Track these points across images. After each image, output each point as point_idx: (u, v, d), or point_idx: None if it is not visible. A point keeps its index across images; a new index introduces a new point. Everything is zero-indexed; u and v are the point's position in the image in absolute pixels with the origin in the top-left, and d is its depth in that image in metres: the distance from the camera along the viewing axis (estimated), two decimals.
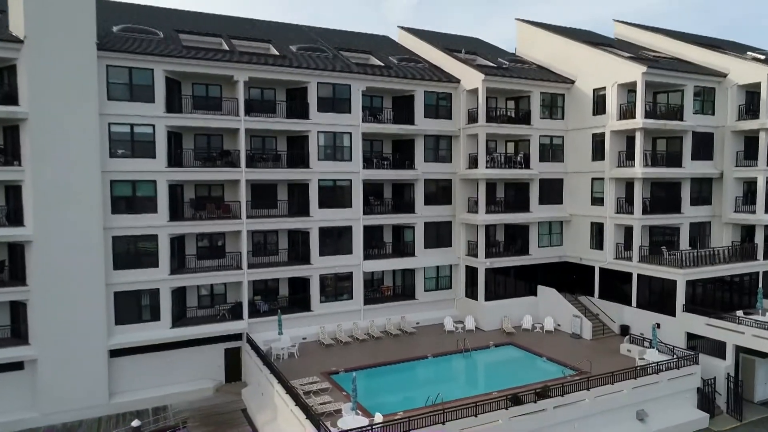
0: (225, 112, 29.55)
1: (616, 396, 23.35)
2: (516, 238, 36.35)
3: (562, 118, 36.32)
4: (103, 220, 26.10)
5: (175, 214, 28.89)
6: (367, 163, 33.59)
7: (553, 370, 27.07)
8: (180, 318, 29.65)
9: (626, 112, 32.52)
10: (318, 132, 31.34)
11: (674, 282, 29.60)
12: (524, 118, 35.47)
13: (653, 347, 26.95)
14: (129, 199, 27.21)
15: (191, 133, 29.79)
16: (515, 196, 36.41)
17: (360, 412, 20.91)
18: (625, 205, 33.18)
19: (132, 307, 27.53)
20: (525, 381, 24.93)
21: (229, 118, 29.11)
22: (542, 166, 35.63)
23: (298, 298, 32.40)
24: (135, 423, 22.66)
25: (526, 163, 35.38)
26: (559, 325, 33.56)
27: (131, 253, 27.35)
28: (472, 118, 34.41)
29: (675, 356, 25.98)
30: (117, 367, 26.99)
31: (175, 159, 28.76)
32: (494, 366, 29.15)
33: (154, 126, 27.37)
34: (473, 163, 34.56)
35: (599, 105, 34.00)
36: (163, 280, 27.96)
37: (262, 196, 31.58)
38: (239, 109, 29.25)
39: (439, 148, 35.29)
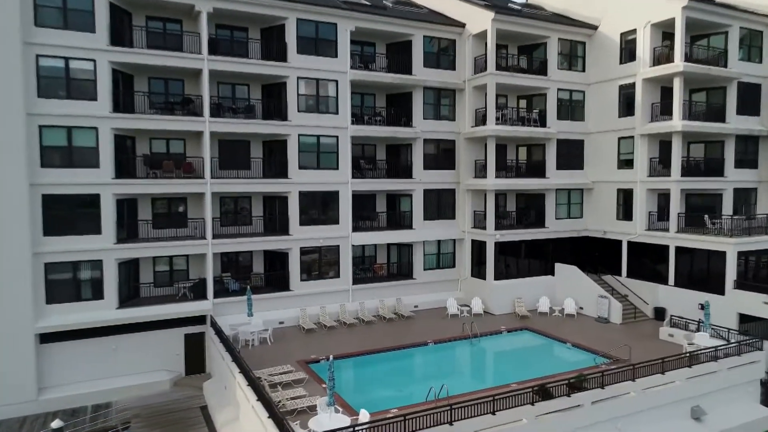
0: (186, 51, 24.55)
1: (668, 389, 18.48)
2: (530, 209, 31.48)
3: (583, 70, 31.42)
4: (28, 174, 21.17)
5: (124, 170, 23.93)
6: (357, 118, 28.66)
7: (580, 359, 22.22)
8: (132, 297, 24.71)
9: (661, 57, 27.65)
10: (298, 78, 26.39)
11: (723, 254, 24.75)
12: (540, 69, 30.56)
13: (704, 330, 22.11)
14: (63, 149, 22.23)
15: (144, 75, 24.80)
16: (529, 160, 31.53)
17: (341, 409, 16.03)
18: (659, 167, 28.33)
19: (67, 282, 22.58)
20: (548, 371, 20.12)
21: (189, 56, 24.13)
22: (560, 124, 30.75)
23: (275, 276, 27.47)
24: (55, 424, 17.58)
25: (541, 121, 30.50)
26: (581, 308, 28.69)
27: (66, 216, 22.36)
28: (480, 67, 29.52)
29: (733, 341, 21.11)
30: (48, 355, 22.05)
31: (123, 104, 23.80)
32: (509, 354, 24.26)
33: (95, 61, 22.39)
34: (480, 119, 29.67)
35: (628, 51, 29.12)
36: (106, 249, 23.00)
37: (232, 153, 26.64)
38: (201, 46, 24.29)
39: (441, 103, 30.38)
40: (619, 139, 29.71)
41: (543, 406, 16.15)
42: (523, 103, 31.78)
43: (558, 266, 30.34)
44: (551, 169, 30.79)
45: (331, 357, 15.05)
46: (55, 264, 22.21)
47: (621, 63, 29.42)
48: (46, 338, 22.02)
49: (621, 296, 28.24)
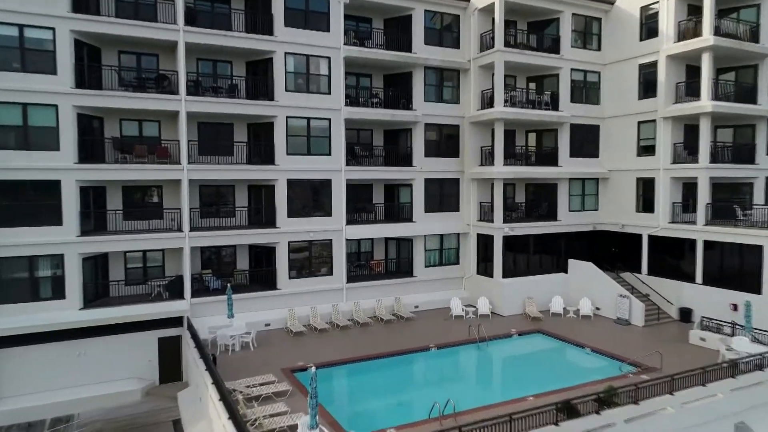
0: (161, 21, 21.94)
1: (710, 403, 15.91)
2: (540, 200, 28.87)
3: (599, 48, 28.82)
4: None
5: (90, 154, 21.33)
6: (352, 100, 26.07)
7: (602, 366, 19.68)
8: (100, 296, 22.15)
9: (687, 32, 25.07)
10: (286, 54, 23.78)
11: (759, 249, 22.18)
12: (552, 47, 27.96)
13: (742, 334, 19.56)
14: (17, 129, 19.63)
15: (114, 48, 22.20)
16: (539, 147, 28.94)
17: (326, 430, 13.45)
18: (684, 153, 25.75)
19: (23, 280, 20.00)
20: (568, 381, 17.58)
21: (162, 27, 21.52)
22: (574, 108, 28.15)
23: (260, 273, 24.89)
24: None
25: (553, 105, 27.90)
26: (598, 308, 26.10)
27: (21, 204, 19.78)
28: (486, 44, 26.93)
29: None
30: (1, 362, 19.45)
31: (89, 80, 21.20)
32: (521, 360, 21.63)
33: (54, 30, 19.79)
34: (487, 102, 27.07)
35: (649, 27, 26.53)
36: (68, 243, 20.42)
37: (213, 137, 24.09)
38: (177, 16, 21.68)
39: (444, 84, 27.77)
40: (639, 123, 27.12)
41: (569, 426, 13.58)
42: (533, 85, 29.11)
43: (572, 263, 27.75)
44: (564, 157, 28.19)
45: (313, 368, 12.42)
46: (8, 259, 19.64)
47: (641, 40, 26.83)
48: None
49: (642, 295, 25.65)
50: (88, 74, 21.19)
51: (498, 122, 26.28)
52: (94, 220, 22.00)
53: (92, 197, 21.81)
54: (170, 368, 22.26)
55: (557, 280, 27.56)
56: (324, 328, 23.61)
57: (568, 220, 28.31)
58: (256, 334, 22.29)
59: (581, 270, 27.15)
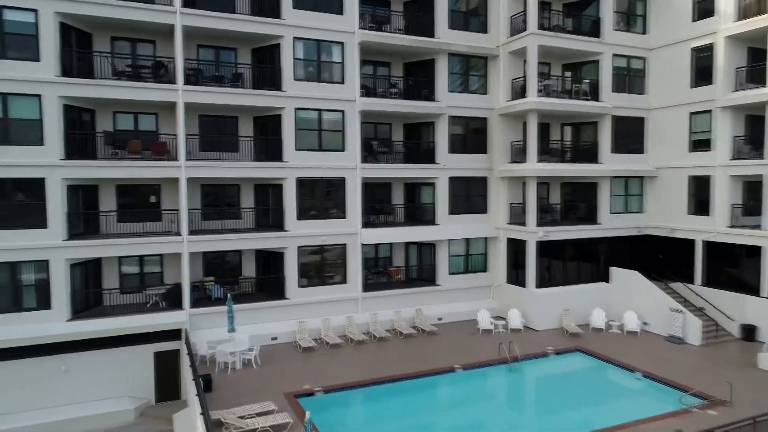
0: (157, 3, 19.87)
1: None
2: (579, 201, 26.01)
3: (644, 31, 25.81)
4: None
5: (79, 150, 19.36)
6: (368, 90, 23.68)
7: (658, 396, 16.81)
8: (92, 306, 20.21)
9: (749, 9, 21.95)
10: (294, 39, 21.51)
11: None
12: (592, 30, 25.09)
13: None
14: None
15: (106, 34, 20.23)
16: (577, 142, 26.09)
17: None
18: (746, 148, 22.62)
19: (3, 287, 18.14)
20: (619, 415, 14.82)
21: (156, 8, 19.45)
22: (616, 98, 25.22)
23: (268, 281, 22.64)
24: None
25: (593, 94, 25.02)
26: (645, 323, 23.11)
27: (2, 205, 17.93)
28: (518, 27, 24.23)
29: None
30: None
31: (79, 68, 19.25)
32: (560, 386, 18.76)
33: (36, 12, 17.88)
34: (519, 92, 24.35)
35: (704, 5, 23.44)
36: (54, 247, 18.48)
37: (216, 132, 21.95)
38: None
39: (471, 72, 25.14)
40: (691, 114, 24.05)
41: None
42: (569, 74, 26.26)
43: (614, 271, 24.80)
44: (605, 153, 25.26)
45: (308, 415, 9.99)
46: None
47: (695, 20, 23.75)
48: None
49: (696, 309, 22.58)
50: (77, 62, 19.24)
51: (531, 114, 23.55)
52: (84, 222, 20.05)
53: (82, 197, 19.87)
54: (167, 386, 20.10)
55: (598, 291, 24.64)
56: (336, 343, 21.22)
57: (609, 224, 25.35)
58: (262, 348, 20.07)
59: (625, 279, 24.19)
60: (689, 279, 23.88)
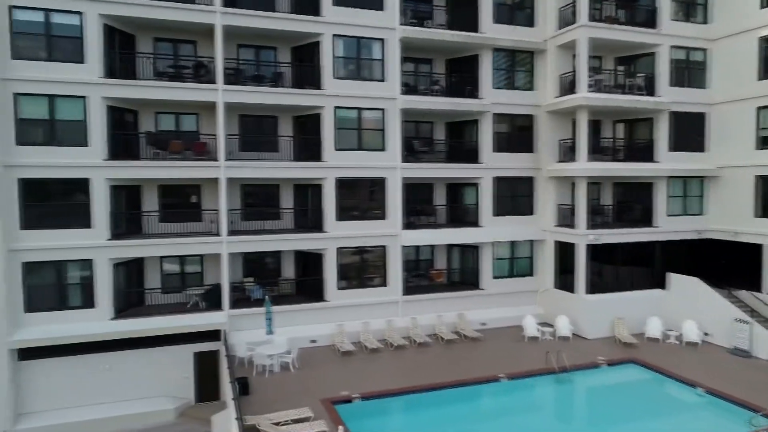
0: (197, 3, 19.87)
1: None
2: (632, 203, 24.54)
3: (705, 21, 24.12)
4: (1, 153, 17.15)
5: (122, 151, 19.55)
6: (409, 88, 23.04)
7: (723, 416, 15.46)
8: (134, 305, 20.40)
9: None
10: (334, 36, 21.11)
11: None
12: (647, 21, 23.62)
13: None
14: (44, 123, 18.10)
15: (148, 35, 20.38)
16: (631, 140, 24.65)
17: None
18: None
19: (51, 286, 18.48)
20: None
21: (197, 8, 19.43)
22: (674, 93, 23.65)
23: (307, 283, 22.32)
24: None
25: (649, 89, 23.55)
26: (707, 333, 21.51)
27: (49, 205, 18.28)
28: (566, 20, 23.06)
29: None
30: (28, 374, 17.99)
31: (120, 69, 19.45)
32: (614, 401, 17.53)
33: (81, 14, 18.12)
34: (567, 87, 23.18)
35: None
36: (98, 247, 18.71)
37: (256, 131, 21.83)
38: None
39: (516, 68, 24.13)
40: (759, 109, 22.24)
41: None
42: (622, 68, 24.79)
43: (672, 277, 23.22)
44: (662, 151, 23.73)
45: (341, 430, 9.41)
46: (37, 264, 18.14)
47: (763, 6, 21.97)
48: (26, 354, 17.94)
49: (764, 320, 20.81)
50: (120, 63, 19.44)
51: (581, 110, 22.35)
52: (127, 222, 20.25)
53: (126, 197, 20.07)
54: (207, 386, 20.10)
55: (653, 298, 23.14)
56: (376, 348, 20.67)
57: (666, 227, 23.79)
58: (301, 351, 19.74)
59: (684, 286, 22.62)
60: (756, 287, 22.05)
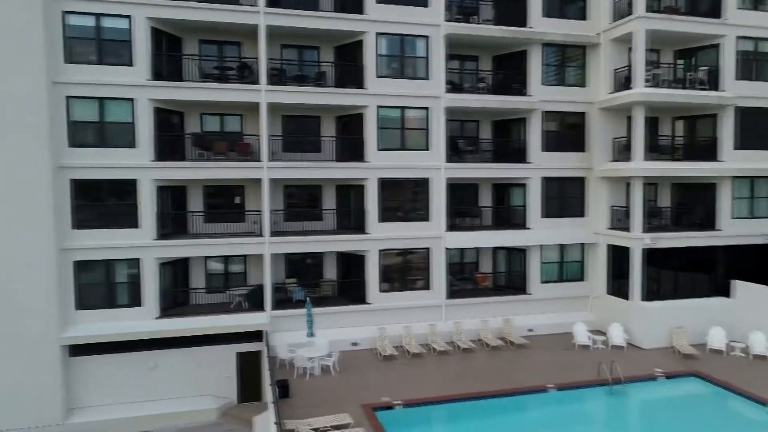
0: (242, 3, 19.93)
1: None
2: (693, 204, 23.04)
3: None
4: (53, 155, 17.65)
5: (169, 152, 19.81)
6: (454, 86, 22.42)
7: None
8: (180, 304, 20.68)
9: None
10: (377, 34, 20.75)
11: None
12: (710, 10, 22.12)
13: None
14: (95, 125, 18.54)
15: (194, 37, 20.60)
16: (691, 137, 23.16)
17: None
18: None
19: (101, 284, 18.91)
20: None
21: (241, 9, 19.46)
22: (741, 87, 22.06)
23: (349, 284, 22.05)
24: None
25: (712, 83, 22.05)
26: None
27: (99, 205, 18.74)
28: (621, 11, 21.87)
29: None
30: (78, 370, 18.47)
31: (167, 70, 19.72)
32: (671, 414, 16.36)
33: (130, 18, 18.45)
34: (622, 82, 21.99)
35: None
36: (145, 246, 19.03)
37: (299, 132, 21.73)
38: None
39: (567, 63, 23.09)
40: None
41: None
42: (682, 60, 23.36)
43: (738, 285, 21.64)
44: (726, 149, 22.17)
45: None
46: (87, 263, 18.61)
47: None
48: (76, 350, 18.43)
49: None
50: (166, 65, 19.72)
51: (637, 107, 21.13)
52: (173, 222, 20.54)
53: (172, 198, 20.36)
54: (250, 387, 20.14)
55: (716, 307, 21.62)
56: (418, 353, 20.16)
57: (731, 230, 22.21)
58: (342, 354, 19.44)
59: (752, 295, 21.03)
60: None
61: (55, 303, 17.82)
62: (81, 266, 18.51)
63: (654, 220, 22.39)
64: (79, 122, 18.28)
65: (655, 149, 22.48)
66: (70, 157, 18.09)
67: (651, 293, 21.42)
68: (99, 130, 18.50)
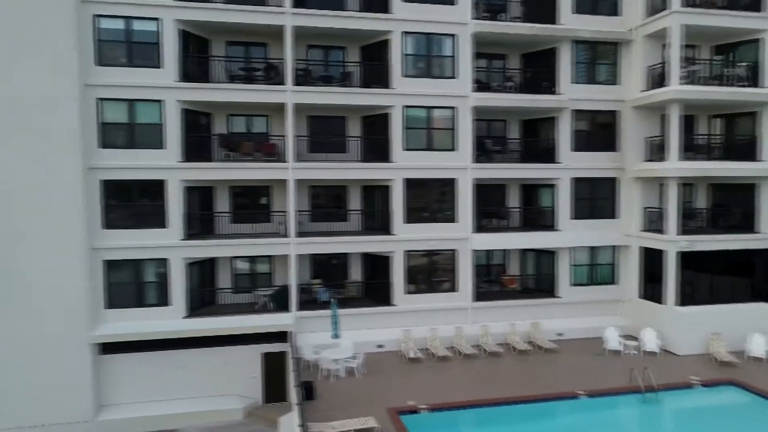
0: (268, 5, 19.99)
1: None
2: (731, 206, 22.19)
3: None
4: (84, 156, 17.97)
5: (196, 152, 19.97)
6: (481, 85, 22.04)
7: None
8: (207, 304, 20.85)
9: None
10: (403, 33, 20.55)
11: None
12: (750, 3, 21.26)
13: None
14: (125, 127, 18.82)
15: (221, 39, 20.74)
16: (730, 136, 22.31)
17: None
18: None
19: (130, 284, 19.21)
20: None
21: (267, 10, 19.52)
22: None
23: (375, 286, 21.89)
24: None
25: (752, 79, 21.19)
26: None
27: (129, 205, 19.03)
28: (656, 7, 21.21)
29: None
30: (108, 368, 18.74)
31: (195, 72, 19.90)
32: (708, 424, 15.78)
33: (159, 20, 18.68)
34: (657, 80, 21.31)
35: None
36: (173, 246, 19.24)
37: (325, 132, 21.68)
38: None
39: (598, 61, 22.51)
40: None
41: None
42: (719, 56, 22.51)
43: None
44: (767, 149, 21.27)
45: None
46: (117, 262, 18.90)
47: None
48: (106, 348, 18.72)
49: None
50: (194, 67, 19.90)
51: (672, 105, 20.44)
52: (201, 222, 20.71)
53: (199, 198, 20.53)
54: (275, 387, 20.11)
55: (756, 313, 20.76)
56: (444, 356, 19.88)
57: None
58: (367, 356, 19.27)
59: None
60: None
61: (85, 302, 18.13)
62: (111, 265, 18.81)
63: (689, 222, 21.62)
64: (109, 124, 18.58)
65: (690, 148, 21.69)
66: (100, 158, 18.40)
67: (686, 297, 20.70)
68: (129, 131, 18.78)
